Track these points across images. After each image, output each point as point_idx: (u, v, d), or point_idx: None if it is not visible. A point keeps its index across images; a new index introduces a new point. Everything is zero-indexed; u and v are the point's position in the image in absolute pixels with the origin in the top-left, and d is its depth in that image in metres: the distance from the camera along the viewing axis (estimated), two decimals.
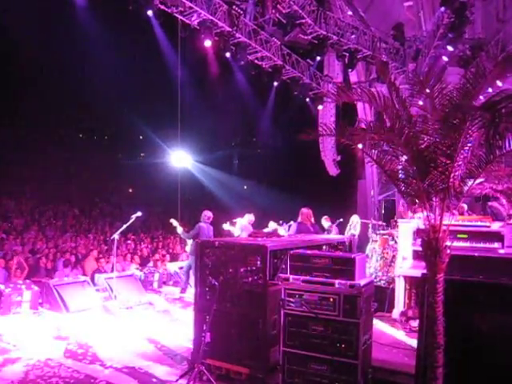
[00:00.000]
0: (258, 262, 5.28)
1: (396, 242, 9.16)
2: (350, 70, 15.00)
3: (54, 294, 8.79)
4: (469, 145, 4.13)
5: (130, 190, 29.32)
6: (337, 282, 4.61)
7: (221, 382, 5.28)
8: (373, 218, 12.77)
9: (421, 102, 4.51)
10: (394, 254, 9.18)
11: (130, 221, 9.64)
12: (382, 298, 7.72)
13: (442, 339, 4.04)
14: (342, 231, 12.28)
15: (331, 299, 4.60)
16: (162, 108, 22.05)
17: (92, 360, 6.15)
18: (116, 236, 9.47)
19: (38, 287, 8.92)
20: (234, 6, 11.84)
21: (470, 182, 4.32)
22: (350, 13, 14.89)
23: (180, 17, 11.48)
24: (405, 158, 4.39)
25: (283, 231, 10.68)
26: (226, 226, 10.81)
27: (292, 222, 10.76)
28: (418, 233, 6.98)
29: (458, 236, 6.69)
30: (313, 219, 10.17)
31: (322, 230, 11.40)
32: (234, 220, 10.78)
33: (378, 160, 4.61)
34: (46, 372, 5.67)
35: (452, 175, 4.10)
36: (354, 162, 17.95)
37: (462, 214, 8.51)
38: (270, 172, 25.99)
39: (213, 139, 25.29)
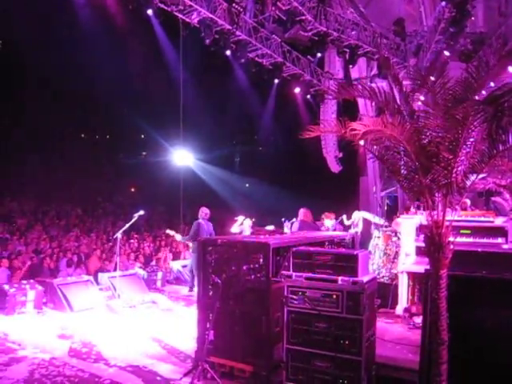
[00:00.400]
0: (261, 260, 5.28)
1: (399, 238, 9.15)
2: (350, 66, 14.97)
3: (57, 293, 8.81)
4: (471, 139, 4.11)
5: (133, 189, 29.34)
6: (340, 278, 4.60)
7: (225, 379, 5.29)
8: (375, 214, 12.74)
9: (422, 97, 4.49)
10: (396, 250, 9.17)
11: (133, 220, 9.64)
12: (385, 294, 7.71)
13: (445, 335, 4.03)
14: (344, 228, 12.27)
15: (334, 296, 4.59)
16: (163, 107, 22.06)
17: (96, 359, 6.17)
18: (119, 235, 9.49)
19: (41, 287, 8.94)
20: (233, 4, 11.81)
21: (472, 177, 4.31)
22: (350, 9, 14.85)
23: (180, 15, 11.47)
24: (407, 153, 4.37)
25: (286, 229, 10.68)
26: (234, 229, 10.74)
27: (294, 220, 10.76)
28: (420, 229, 6.97)
29: (461, 232, 6.68)
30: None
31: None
32: (236, 218, 10.79)
33: (379, 156, 4.60)
34: (50, 371, 5.69)
35: (455, 170, 4.08)
36: (356, 158, 17.93)
37: (465, 209, 8.48)
38: (272, 170, 25.96)
39: (214, 137, 25.24)
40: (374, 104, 13.27)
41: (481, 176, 4.79)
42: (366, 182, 17.82)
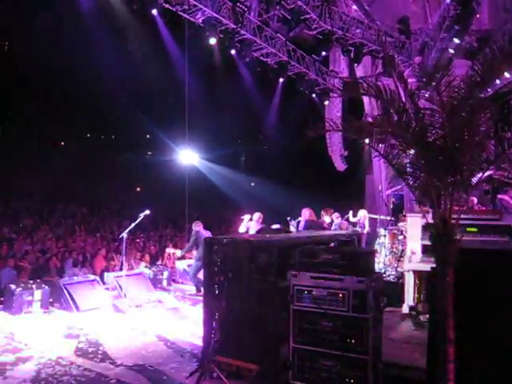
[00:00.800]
0: (267, 259, 5.27)
1: (405, 237, 9.13)
2: (355, 64, 14.93)
3: (64, 293, 8.84)
4: (477, 137, 4.10)
5: (138, 189, 29.39)
6: (345, 277, 4.59)
7: (231, 379, 5.28)
8: (381, 212, 12.71)
9: (427, 95, 4.48)
10: (403, 248, 9.15)
11: (138, 219, 9.66)
12: (391, 292, 7.69)
13: (452, 333, 4.02)
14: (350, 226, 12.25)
15: (340, 295, 4.58)
16: (168, 106, 22.09)
17: (103, 358, 6.18)
18: (124, 235, 9.51)
19: (48, 286, 8.96)
20: (238, 3, 11.81)
21: (478, 175, 4.29)
22: (354, 7, 14.81)
23: (184, 15, 11.47)
24: (412, 151, 4.36)
25: (292, 228, 10.67)
26: (242, 229, 10.73)
27: (300, 219, 10.75)
28: (427, 227, 6.94)
29: (468, 230, 6.65)
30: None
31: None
32: (242, 217, 10.78)
33: (385, 154, 4.59)
34: (57, 370, 5.71)
35: (461, 168, 4.07)
36: (362, 157, 17.89)
37: (472, 207, 8.45)
38: (277, 168, 25.92)
39: (219, 136, 25.24)
40: (379, 102, 13.23)
41: (487, 173, 4.76)
42: (372, 181, 17.77)
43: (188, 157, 16.98)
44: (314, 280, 4.75)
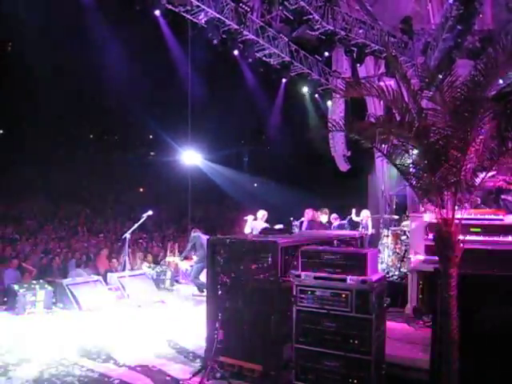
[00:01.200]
0: (270, 259, 5.28)
1: (408, 237, 9.11)
2: (358, 65, 14.91)
3: (67, 293, 8.87)
4: (480, 137, 4.09)
5: (141, 190, 29.43)
6: (348, 277, 4.59)
7: (234, 379, 5.29)
8: (384, 213, 12.69)
9: (430, 95, 4.47)
10: (406, 248, 9.14)
11: (141, 220, 9.68)
12: (394, 293, 7.68)
13: (456, 334, 4.01)
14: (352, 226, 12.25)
15: (343, 295, 4.58)
16: (171, 107, 22.11)
17: (106, 359, 6.19)
18: (128, 235, 9.52)
19: (51, 287, 8.99)
20: (240, 4, 11.80)
21: (481, 175, 4.28)
22: (357, 7, 14.79)
23: (187, 16, 11.48)
24: (415, 151, 4.36)
25: (295, 228, 10.67)
26: (247, 229, 10.72)
27: (303, 219, 10.75)
28: (430, 227, 6.93)
29: (471, 230, 6.63)
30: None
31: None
32: (245, 218, 10.78)
33: (388, 154, 4.58)
34: (60, 371, 5.72)
35: (463, 168, 4.06)
36: (365, 157, 17.86)
37: (475, 207, 8.42)
38: (280, 169, 25.93)
39: (222, 137, 25.26)
40: (382, 102, 13.21)
41: (490, 174, 4.75)
42: (375, 181, 17.74)
43: (191, 157, 17.01)
44: (316, 280, 4.75)
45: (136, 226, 9.74)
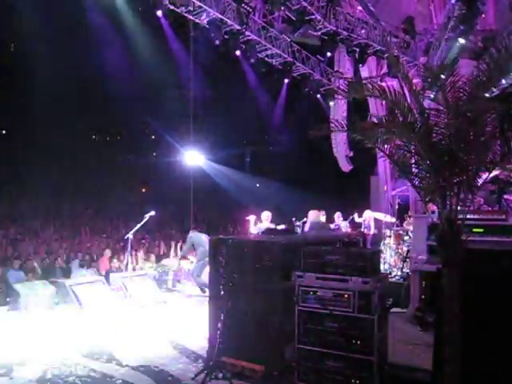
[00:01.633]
0: (272, 260, 5.27)
1: (410, 238, 9.11)
2: (360, 65, 14.90)
3: (69, 293, 8.85)
4: (483, 137, 4.08)
5: (144, 190, 29.46)
6: (351, 278, 4.59)
7: (236, 379, 5.29)
8: (386, 213, 12.70)
9: (432, 95, 4.46)
10: (408, 249, 9.13)
11: (144, 220, 9.68)
12: (397, 293, 7.69)
13: (458, 334, 4.00)
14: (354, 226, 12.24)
15: (345, 296, 4.58)
16: (173, 107, 22.13)
17: (108, 359, 6.20)
18: (130, 235, 9.52)
19: (54, 287, 9.00)
20: (242, 4, 11.81)
21: (484, 176, 4.27)
22: (359, 7, 14.78)
23: (189, 16, 11.49)
24: (418, 151, 4.35)
25: (297, 228, 10.67)
26: (252, 229, 10.73)
27: (305, 219, 10.74)
28: (432, 227, 6.92)
29: (474, 230, 6.61)
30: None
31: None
32: (247, 218, 10.78)
33: (390, 155, 4.58)
34: (63, 371, 5.73)
35: (466, 168, 4.05)
36: (367, 157, 17.85)
37: (478, 207, 8.42)
38: (283, 169, 25.94)
39: (225, 137, 25.28)
40: (384, 103, 13.21)
41: (493, 174, 4.75)
42: (377, 181, 17.73)
43: (193, 158, 17.01)
44: (319, 281, 4.75)
45: (138, 226, 9.75)
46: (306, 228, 10.43)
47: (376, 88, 4.46)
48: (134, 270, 10.91)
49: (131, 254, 10.19)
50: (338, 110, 17.18)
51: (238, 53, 12.81)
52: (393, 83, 11.71)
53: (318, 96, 16.66)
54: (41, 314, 8.49)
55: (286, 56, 14.01)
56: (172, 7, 11.06)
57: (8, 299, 8.92)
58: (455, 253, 4.02)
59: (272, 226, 10.16)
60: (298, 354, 4.80)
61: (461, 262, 4.04)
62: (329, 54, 14.80)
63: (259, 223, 10.44)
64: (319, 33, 13.01)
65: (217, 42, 11.84)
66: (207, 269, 7.01)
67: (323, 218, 11.17)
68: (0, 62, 22.14)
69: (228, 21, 11.71)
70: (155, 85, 22.46)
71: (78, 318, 8.35)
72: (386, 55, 14.08)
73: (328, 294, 4.68)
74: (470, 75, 4.21)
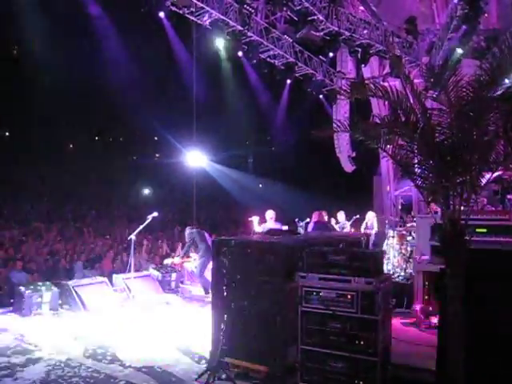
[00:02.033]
0: (275, 260, 5.27)
1: (413, 238, 9.09)
2: (363, 65, 14.89)
3: (73, 294, 8.89)
4: (486, 137, 4.07)
5: (147, 191, 29.52)
6: (354, 278, 4.58)
7: (239, 380, 5.29)
8: (389, 213, 12.67)
9: (435, 95, 4.46)
10: (411, 249, 9.11)
11: (147, 221, 9.68)
12: (400, 294, 7.67)
13: (462, 335, 3.99)
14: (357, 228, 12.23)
15: (349, 296, 4.57)
16: (176, 108, 22.17)
17: (111, 360, 6.20)
18: (133, 236, 9.52)
19: (57, 288, 9.02)
20: (245, 5, 11.81)
21: (487, 175, 4.26)
22: (361, 8, 14.78)
23: (191, 17, 11.49)
24: (421, 151, 4.34)
25: (300, 229, 10.66)
26: (258, 228, 10.71)
27: (308, 220, 10.73)
28: (435, 228, 6.90)
29: (477, 230, 6.58)
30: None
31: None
32: (250, 218, 10.77)
33: (393, 155, 4.57)
34: (66, 372, 5.73)
35: (470, 168, 4.04)
36: (370, 157, 17.83)
37: (482, 207, 8.39)
38: (285, 170, 25.96)
39: (227, 138, 25.33)
40: (386, 103, 13.19)
41: (496, 174, 4.73)
42: (380, 181, 17.72)
43: (196, 159, 17.01)
44: (322, 281, 4.74)
45: (141, 227, 9.75)
46: (309, 228, 10.43)
47: (378, 88, 4.46)
48: (136, 270, 10.91)
49: (134, 255, 10.19)
50: (341, 110, 17.18)
51: (240, 53, 12.81)
52: (395, 83, 11.70)
53: (321, 96, 16.65)
54: (44, 315, 8.51)
55: (288, 56, 14.00)
56: (174, 8, 11.07)
57: (12, 300, 8.94)
58: (458, 253, 4.01)
59: (278, 225, 10.15)
60: (302, 355, 4.79)
61: (464, 262, 4.03)
62: (331, 54, 14.80)
63: (263, 223, 10.43)
64: (321, 33, 13.01)
65: (219, 43, 11.85)
66: (210, 265, 7.00)
67: (327, 218, 11.17)
68: (3, 64, 22.21)
69: (230, 21, 11.71)
70: (158, 85, 22.51)
71: (81, 318, 8.37)
72: (388, 55, 14.07)
73: (331, 294, 4.67)
74: (472, 75, 4.20)
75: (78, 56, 19.68)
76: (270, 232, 7.85)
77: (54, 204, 21.03)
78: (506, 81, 4.28)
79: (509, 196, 9.48)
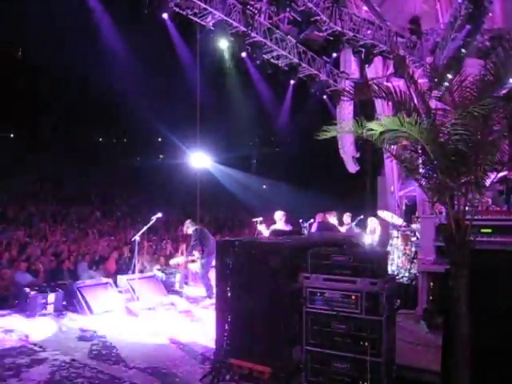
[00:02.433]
0: (279, 261, 5.26)
1: (418, 239, 9.06)
2: (366, 65, 14.85)
3: (77, 296, 8.90)
4: (491, 137, 4.05)
5: (150, 192, 29.55)
6: (358, 279, 4.57)
7: (243, 381, 5.28)
8: (393, 214, 12.63)
9: (439, 95, 4.44)
10: (416, 250, 9.08)
11: (151, 222, 9.70)
12: (404, 294, 7.65)
13: (467, 335, 3.97)
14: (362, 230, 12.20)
15: (353, 297, 4.56)
16: (180, 109, 22.17)
17: (116, 361, 6.21)
18: (137, 237, 9.54)
19: (61, 289, 9.05)
20: (248, 6, 11.80)
21: (492, 175, 4.24)
22: (365, 8, 14.75)
23: (195, 18, 11.50)
24: (425, 152, 4.32)
25: (304, 230, 10.65)
26: (261, 228, 10.70)
27: (312, 221, 10.72)
28: (440, 228, 6.87)
29: (482, 231, 6.56)
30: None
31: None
32: (254, 220, 10.77)
33: (397, 155, 4.56)
34: (71, 373, 5.75)
35: (474, 168, 4.03)
36: (374, 158, 17.80)
37: (487, 207, 8.36)
38: (289, 170, 25.94)
39: (231, 139, 25.33)
40: (390, 103, 13.15)
41: (501, 174, 4.72)
42: (384, 182, 17.67)
43: (200, 160, 17.02)
44: (326, 282, 4.73)
45: (145, 228, 9.77)
46: (313, 229, 10.41)
47: (382, 89, 4.45)
48: (141, 272, 10.92)
49: (138, 256, 10.20)
50: (344, 110, 17.14)
51: (244, 54, 12.81)
52: (399, 83, 11.66)
53: (325, 97, 16.63)
54: (49, 315, 8.53)
55: (291, 57, 13.99)
56: (177, 10, 11.08)
57: (16, 301, 8.97)
58: (463, 253, 3.99)
59: (288, 227, 10.12)
60: (306, 356, 4.79)
61: (469, 262, 4.01)
62: (335, 54, 14.78)
63: (272, 225, 10.38)
64: (325, 33, 12.99)
65: (223, 44, 11.86)
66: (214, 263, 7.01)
67: (334, 220, 11.13)
68: (7, 66, 22.30)
69: (234, 23, 11.71)
70: (162, 87, 22.53)
71: (85, 319, 8.39)
72: (392, 55, 14.03)
73: (335, 295, 4.66)
74: (476, 75, 4.19)
75: (83, 58, 19.71)
76: (274, 233, 7.86)
77: (58, 205, 21.07)
78: (511, 80, 4.27)
79: None
